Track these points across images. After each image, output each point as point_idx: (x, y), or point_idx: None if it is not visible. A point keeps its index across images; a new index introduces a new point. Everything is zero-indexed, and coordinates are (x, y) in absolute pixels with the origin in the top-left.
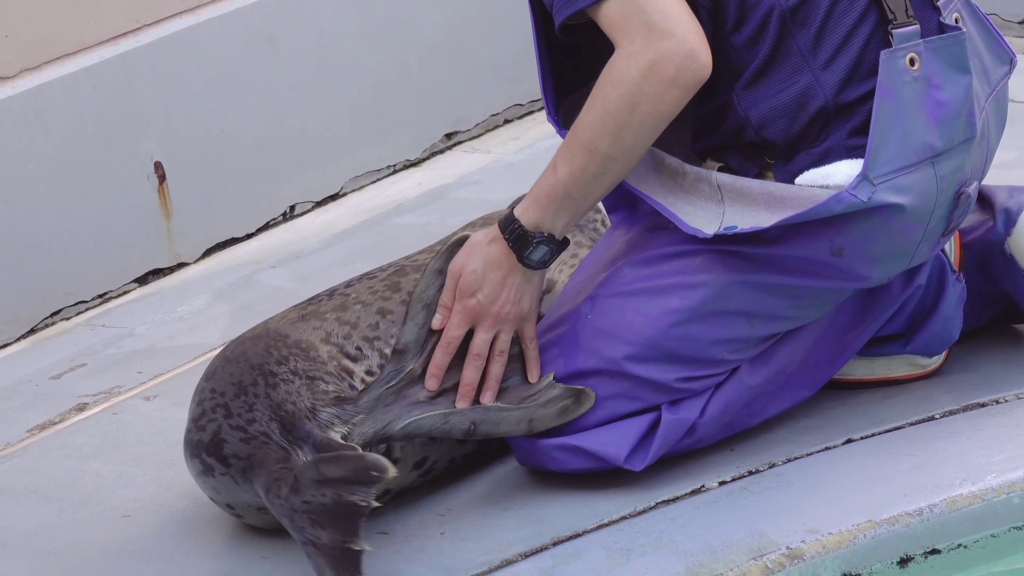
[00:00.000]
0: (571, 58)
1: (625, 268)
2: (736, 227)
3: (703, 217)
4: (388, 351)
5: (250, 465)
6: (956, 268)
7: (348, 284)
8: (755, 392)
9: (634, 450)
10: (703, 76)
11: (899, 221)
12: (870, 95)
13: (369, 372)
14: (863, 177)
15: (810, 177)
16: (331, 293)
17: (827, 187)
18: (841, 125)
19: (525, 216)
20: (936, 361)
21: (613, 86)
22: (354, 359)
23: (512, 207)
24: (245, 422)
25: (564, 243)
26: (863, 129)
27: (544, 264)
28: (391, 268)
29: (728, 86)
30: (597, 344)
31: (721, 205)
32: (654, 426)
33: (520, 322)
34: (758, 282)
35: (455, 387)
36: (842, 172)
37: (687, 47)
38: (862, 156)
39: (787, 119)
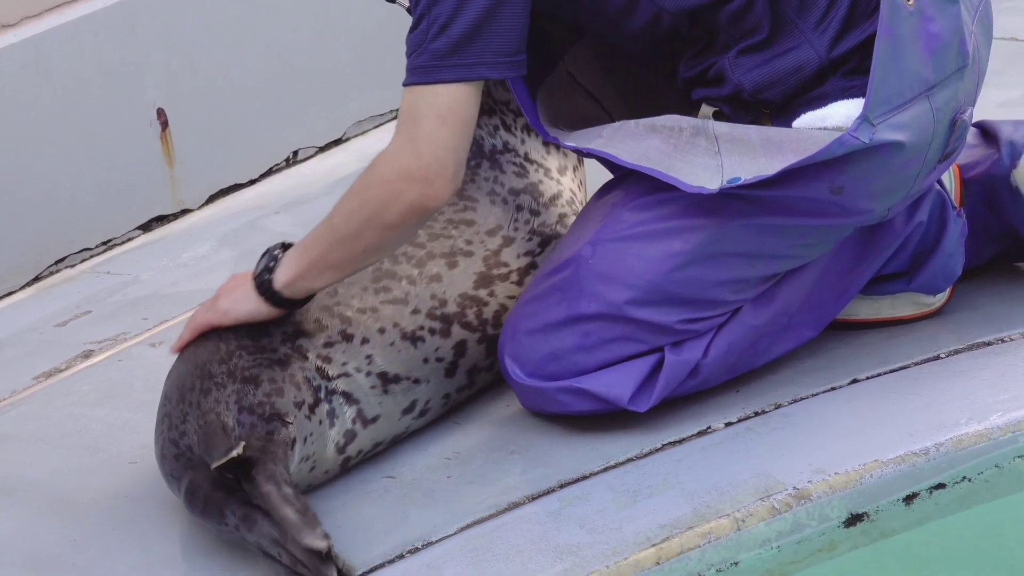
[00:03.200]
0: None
1: (624, 212)
2: (740, 178)
3: (702, 174)
4: (349, 314)
5: (180, 488)
6: (956, 204)
7: None
8: (758, 332)
9: (638, 391)
10: (429, 208)
11: (899, 157)
12: (863, 42)
13: (328, 343)
14: (863, 118)
15: (808, 120)
16: None
17: (825, 128)
18: (836, 73)
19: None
20: (940, 299)
21: (353, 195)
22: (310, 335)
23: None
24: (179, 435)
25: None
26: (857, 69)
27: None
28: None
29: (719, 54)
30: (599, 288)
31: (718, 157)
32: (658, 367)
33: None
34: (758, 223)
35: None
36: (839, 113)
37: (424, 176)
38: (857, 96)
39: (783, 84)
